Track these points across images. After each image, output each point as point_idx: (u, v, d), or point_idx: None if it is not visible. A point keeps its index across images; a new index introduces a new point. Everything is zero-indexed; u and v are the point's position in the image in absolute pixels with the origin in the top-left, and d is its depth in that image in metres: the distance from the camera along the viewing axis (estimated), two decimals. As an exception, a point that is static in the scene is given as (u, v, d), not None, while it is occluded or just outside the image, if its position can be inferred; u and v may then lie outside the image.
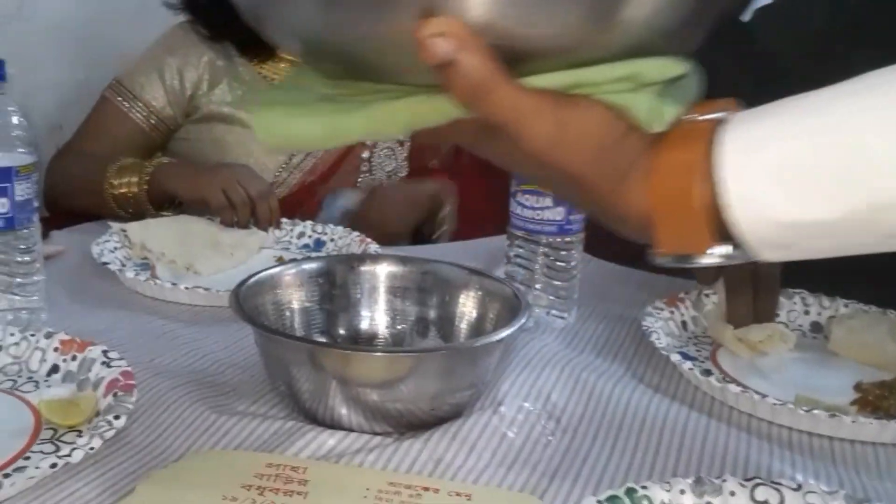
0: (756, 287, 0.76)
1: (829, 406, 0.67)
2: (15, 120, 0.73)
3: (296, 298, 0.71)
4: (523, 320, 0.63)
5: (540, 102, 0.37)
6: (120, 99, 1.20)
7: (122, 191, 1.09)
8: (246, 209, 1.02)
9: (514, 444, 0.61)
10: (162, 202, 1.10)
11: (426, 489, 0.54)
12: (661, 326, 0.80)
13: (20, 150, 0.73)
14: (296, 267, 0.73)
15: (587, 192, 0.40)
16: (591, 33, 0.37)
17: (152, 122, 1.20)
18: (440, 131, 0.40)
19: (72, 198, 1.16)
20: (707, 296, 0.87)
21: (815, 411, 0.64)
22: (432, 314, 0.72)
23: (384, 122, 0.40)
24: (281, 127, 0.43)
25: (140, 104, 1.19)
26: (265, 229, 1.04)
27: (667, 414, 0.66)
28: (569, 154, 0.38)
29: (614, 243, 1.18)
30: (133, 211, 1.09)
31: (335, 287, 0.73)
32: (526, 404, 0.66)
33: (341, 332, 0.72)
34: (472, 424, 0.62)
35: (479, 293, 0.71)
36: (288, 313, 0.70)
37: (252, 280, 0.68)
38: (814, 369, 0.77)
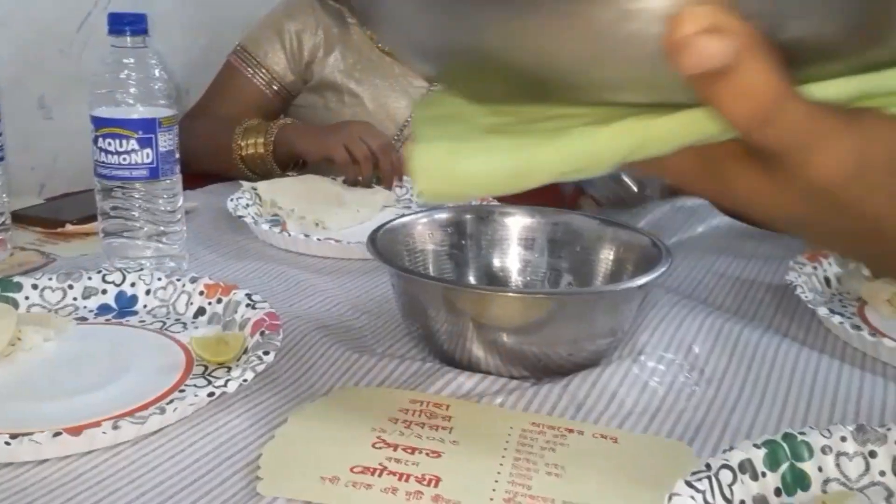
0: None
1: None
2: (156, 73, 0.75)
3: (428, 246, 0.71)
4: (665, 268, 0.61)
5: (835, 121, 0.28)
6: (244, 65, 1.23)
7: (250, 151, 1.12)
8: (368, 164, 1.03)
9: (656, 394, 0.59)
10: (287, 162, 1.13)
11: (570, 431, 0.53)
12: (805, 281, 0.77)
13: (162, 101, 0.75)
14: (427, 216, 0.73)
15: (887, 239, 0.30)
16: None
17: (274, 87, 1.23)
18: (660, 164, 0.31)
19: (200, 159, 1.20)
20: (851, 252, 0.82)
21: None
22: (564, 264, 0.71)
23: (590, 156, 0.30)
24: (446, 170, 0.32)
25: (263, 70, 1.23)
26: (389, 186, 1.05)
27: (817, 367, 0.63)
28: (872, 189, 0.29)
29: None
30: (260, 172, 1.12)
31: (465, 237, 0.73)
32: (668, 354, 0.64)
33: (472, 280, 0.72)
34: (612, 372, 0.61)
35: (615, 243, 0.69)
36: (421, 259, 0.70)
37: (385, 227, 0.69)
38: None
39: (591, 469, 0.49)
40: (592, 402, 0.58)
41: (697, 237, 0.96)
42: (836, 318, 0.68)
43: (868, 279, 0.77)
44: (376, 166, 1.04)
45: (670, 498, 0.43)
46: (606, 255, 0.69)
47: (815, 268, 0.80)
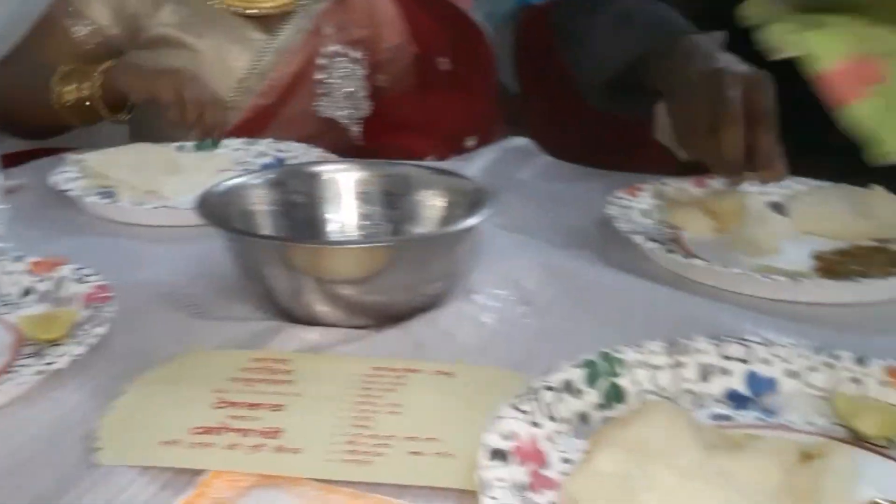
0: (750, 124, 0.72)
1: (789, 272, 0.70)
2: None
3: (262, 206, 0.71)
4: (490, 210, 0.64)
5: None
6: (63, 14, 1.16)
7: (71, 97, 1.06)
8: (194, 109, 0.99)
9: (488, 328, 0.63)
10: (116, 105, 1.08)
11: (410, 371, 0.55)
12: (624, 214, 0.82)
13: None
14: (261, 176, 0.73)
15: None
16: None
17: (97, 41, 1.16)
18: None
19: (14, 112, 1.13)
20: (666, 184, 0.89)
21: (777, 277, 0.66)
22: (400, 214, 0.73)
23: None
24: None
25: (85, 21, 1.15)
26: (213, 141, 1.02)
27: (632, 291, 0.68)
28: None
29: (570, 143, 1.19)
30: (87, 119, 1.07)
31: (300, 194, 0.73)
32: (500, 291, 0.68)
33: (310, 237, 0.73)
34: (449, 312, 0.63)
35: (446, 190, 0.72)
36: (256, 220, 0.70)
37: (217, 189, 0.68)
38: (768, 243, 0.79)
39: (429, 404, 0.52)
40: (431, 341, 0.60)
41: (527, 178, 1.00)
42: (651, 245, 0.74)
43: (677, 206, 0.84)
44: (200, 118, 1.00)
45: (496, 421, 0.46)
46: (439, 202, 0.71)
47: (634, 201, 0.86)
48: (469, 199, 0.68)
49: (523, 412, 0.47)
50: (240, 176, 0.72)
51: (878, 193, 0.81)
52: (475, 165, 1.01)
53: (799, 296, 0.67)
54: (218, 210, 0.66)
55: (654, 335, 0.62)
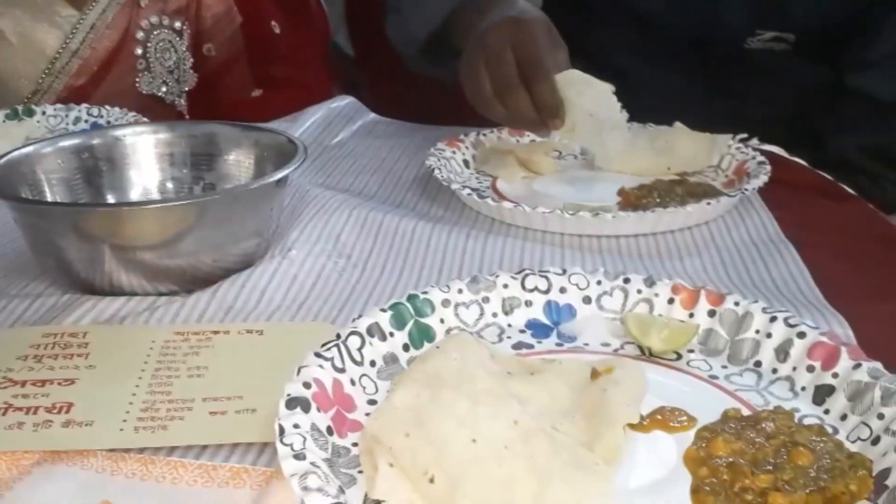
0: (527, 81, 0.77)
1: (594, 208, 0.73)
2: None
3: (57, 176, 0.67)
4: (298, 163, 0.63)
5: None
6: None
7: None
8: None
9: (304, 285, 0.62)
10: None
11: (216, 332, 0.54)
12: (444, 164, 0.83)
13: None
14: (52, 144, 0.68)
15: None
16: None
17: None
18: None
19: None
20: (485, 135, 0.91)
21: (581, 213, 0.69)
22: (209, 175, 0.71)
23: None
24: None
25: None
26: (24, 109, 0.96)
27: (448, 239, 0.70)
28: None
29: (405, 105, 1.19)
30: None
31: (101, 160, 0.69)
32: (317, 246, 0.67)
33: (115, 205, 0.69)
34: (262, 272, 0.62)
35: (256, 146, 0.70)
36: (51, 189, 0.66)
37: (3, 160, 0.63)
38: (583, 184, 0.83)
39: (234, 364, 0.51)
40: (242, 303, 0.59)
41: (352, 136, 0.99)
42: (466, 191, 0.75)
43: (493, 155, 0.86)
44: None
45: (299, 370, 0.46)
46: (248, 159, 0.70)
47: (453, 152, 0.87)
48: (280, 155, 0.67)
49: (327, 359, 0.47)
50: (29, 144, 0.67)
51: (678, 130, 0.86)
52: (299, 125, 0.99)
53: (603, 229, 0.70)
54: (7, 181, 0.61)
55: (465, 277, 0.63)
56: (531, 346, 0.53)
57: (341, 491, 0.38)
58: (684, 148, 0.84)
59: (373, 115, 1.06)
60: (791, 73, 1.01)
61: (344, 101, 1.09)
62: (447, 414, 0.41)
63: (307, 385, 0.44)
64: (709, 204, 0.71)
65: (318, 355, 0.47)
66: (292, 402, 0.42)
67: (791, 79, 1.02)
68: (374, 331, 0.51)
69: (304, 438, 0.40)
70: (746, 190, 0.73)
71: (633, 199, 0.75)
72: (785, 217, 0.73)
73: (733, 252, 0.68)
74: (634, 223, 0.70)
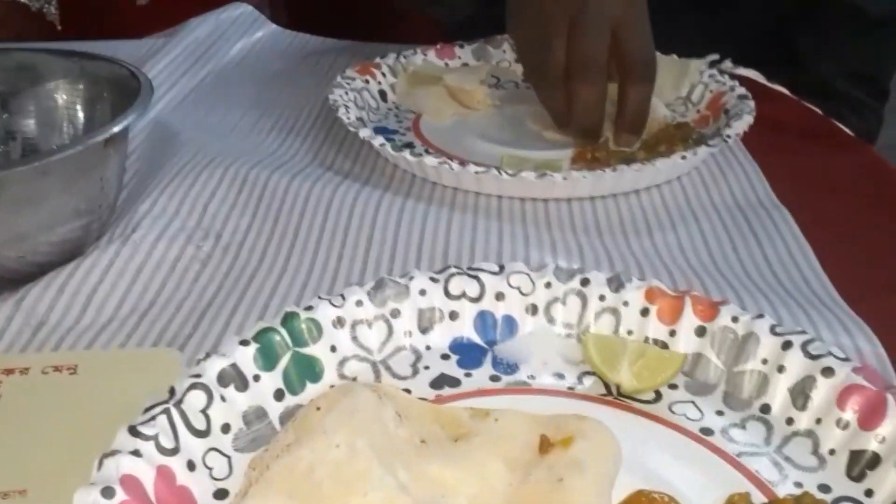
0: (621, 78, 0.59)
1: (540, 164, 0.57)
2: None
3: None
4: (139, 112, 0.46)
5: None
6: None
7: None
8: None
9: (151, 282, 0.46)
10: None
11: (7, 371, 0.38)
12: (353, 99, 0.66)
13: None
14: None
15: None
16: None
17: None
18: None
19: None
20: (406, 58, 0.73)
21: (524, 174, 0.53)
22: (25, 121, 0.53)
23: None
24: None
25: None
26: None
27: (354, 206, 0.54)
28: None
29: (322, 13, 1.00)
30: None
31: None
32: (174, 224, 0.50)
33: None
34: (91, 267, 0.46)
35: (87, 81, 0.52)
36: None
37: None
38: (525, 124, 0.66)
39: (24, 431, 0.35)
40: (57, 317, 0.43)
41: (243, 56, 0.80)
42: (379, 140, 0.58)
43: (418, 84, 0.69)
44: None
45: (100, 464, 0.30)
46: (74, 100, 0.52)
47: (366, 82, 0.70)
48: (122, 95, 0.49)
49: (147, 438, 0.31)
50: None
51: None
52: (174, 43, 0.79)
53: (552, 192, 0.55)
54: None
55: (374, 269, 0.48)
56: (457, 383, 0.38)
57: None
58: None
59: (274, 28, 0.87)
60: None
61: (237, 10, 0.89)
62: (319, 554, 0.26)
63: (108, 492, 0.29)
64: (683, 158, 0.56)
65: (134, 433, 0.31)
66: (80, 531, 0.27)
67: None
68: (229, 378, 0.35)
69: None
70: (729, 137, 0.58)
71: (590, 152, 0.60)
72: (774, 171, 0.59)
73: (715, 221, 0.54)
74: (590, 185, 0.55)
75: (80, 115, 0.51)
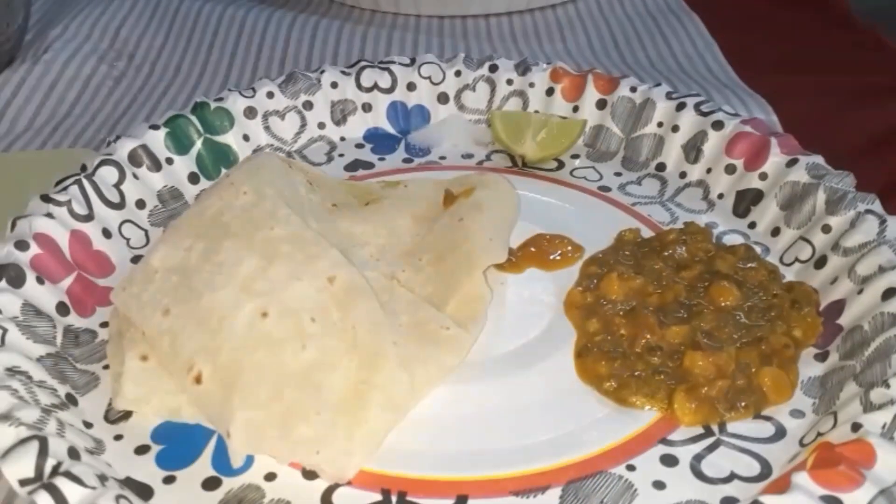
0: None
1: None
2: None
3: None
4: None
5: None
6: None
7: None
8: None
9: (65, 98, 0.46)
10: None
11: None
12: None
13: None
14: None
15: None
16: None
17: None
18: None
19: None
20: None
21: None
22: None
23: None
24: None
25: None
26: None
27: (267, 26, 0.53)
28: None
29: None
30: None
31: None
32: (87, 45, 0.50)
33: None
34: (2, 84, 0.45)
35: None
36: None
37: None
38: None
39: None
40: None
41: None
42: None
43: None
44: None
45: (13, 224, 0.31)
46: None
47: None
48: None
49: (59, 203, 0.32)
50: None
51: None
52: None
53: (469, 7, 0.55)
54: None
55: (290, 68, 0.48)
56: (370, 166, 0.40)
57: (56, 408, 0.25)
58: None
59: None
60: None
61: None
62: (226, 277, 0.27)
63: (22, 245, 0.30)
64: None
65: (46, 199, 0.32)
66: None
67: None
68: (141, 158, 0.36)
69: (4, 331, 0.27)
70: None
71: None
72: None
73: (626, 26, 0.55)
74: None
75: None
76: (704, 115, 0.38)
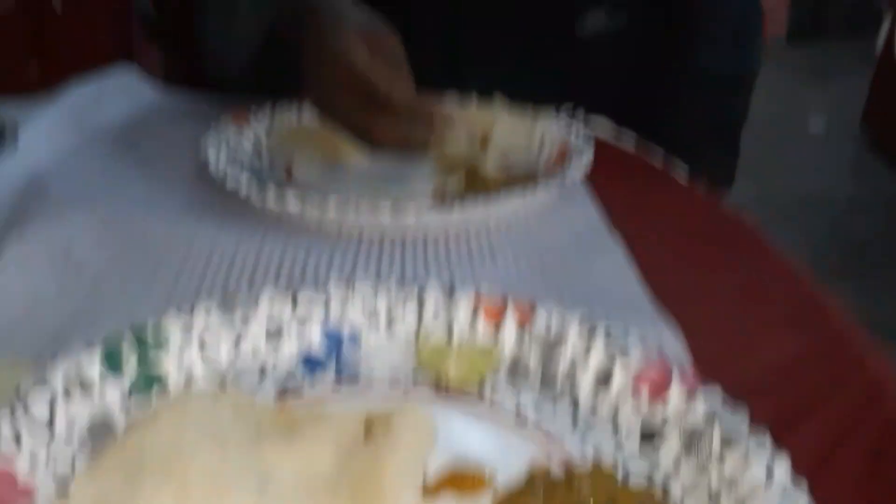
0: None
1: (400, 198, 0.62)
2: None
3: None
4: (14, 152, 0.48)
5: None
6: None
7: None
8: None
9: (11, 317, 0.47)
10: None
11: None
12: (228, 150, 0.69)
13: None
14: None
15: None
16: None
17: None
18: None
19: None
20: (279, 112, 0.77)
21: (378, 213, 0.57)
22: None
23: None
24: None
25: None
26: None
27: (216, 243, 0.56)
28: None
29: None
30: None
31: None
32: (36, 263, 0.52)
33: None
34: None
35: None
36: None
37: None
38: (396, 180, 0.70)
39: None
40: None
41: (122, 118, 0.82)
42: (248, 189, 0.61)
43: (291, 133, 0.74)
44: None
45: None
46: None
47: (240, 129, 0.73)
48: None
49: (-10, 433, 0.33)
50: None
51: (497, 110, 0.76)
52: (56, 109, 0.80)
53: (404, 227, 0.59)
54: None
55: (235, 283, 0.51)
56: (300, 392, 0.41)
57: None
58: (502, 128, 0.75)
59: (152, 94, 0.89)
60: (623, 54, 0.94)
61: (121, 73, 0.91)
62: (141, 514, 0.28)
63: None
64: (524, 195, 0.61)
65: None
66: None
67: (623, 60, 0.94)
68: (75, 382, 0.37)
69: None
70: (567, 175, 0.64)
71: (444, 190, 0.65)
72: (614, 208, 0.65)
73: (555, 251, 0.59)
74: (440, 219, 0.59)
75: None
76: (614, 347, 0.41)
